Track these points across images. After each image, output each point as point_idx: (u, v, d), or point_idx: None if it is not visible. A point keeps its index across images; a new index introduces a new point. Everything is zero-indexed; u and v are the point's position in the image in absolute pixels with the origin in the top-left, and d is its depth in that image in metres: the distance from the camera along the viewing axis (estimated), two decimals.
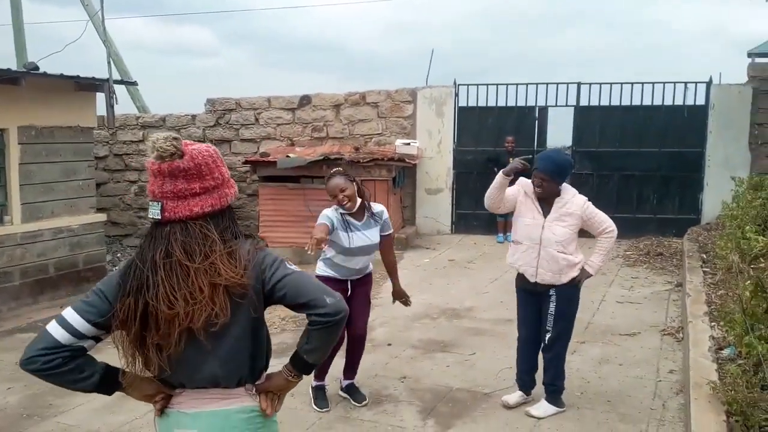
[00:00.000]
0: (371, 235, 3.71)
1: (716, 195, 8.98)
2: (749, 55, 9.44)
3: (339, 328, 1.67)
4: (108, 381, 1.66)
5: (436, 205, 10.22)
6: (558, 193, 3.59)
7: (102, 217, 8.25)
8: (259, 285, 1.65)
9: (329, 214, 3.68)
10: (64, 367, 1.57)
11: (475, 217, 10.05)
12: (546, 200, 3.61)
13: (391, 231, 3.86)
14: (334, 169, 3.65)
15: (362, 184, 3.78)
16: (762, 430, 3.00)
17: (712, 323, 4.58)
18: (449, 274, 7.69)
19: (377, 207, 3.79)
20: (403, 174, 9.77)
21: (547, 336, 3.68)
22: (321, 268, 3.83)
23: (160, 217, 1.63)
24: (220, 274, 1.59)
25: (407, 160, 9.44)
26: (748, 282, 3.98)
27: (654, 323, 5.52)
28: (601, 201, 9.47)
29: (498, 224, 9.46)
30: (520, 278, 3.79)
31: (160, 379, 1.70)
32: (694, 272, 6.22)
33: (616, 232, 3.62)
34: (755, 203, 6.52)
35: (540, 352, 3.81)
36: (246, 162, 9.67)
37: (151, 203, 1.66)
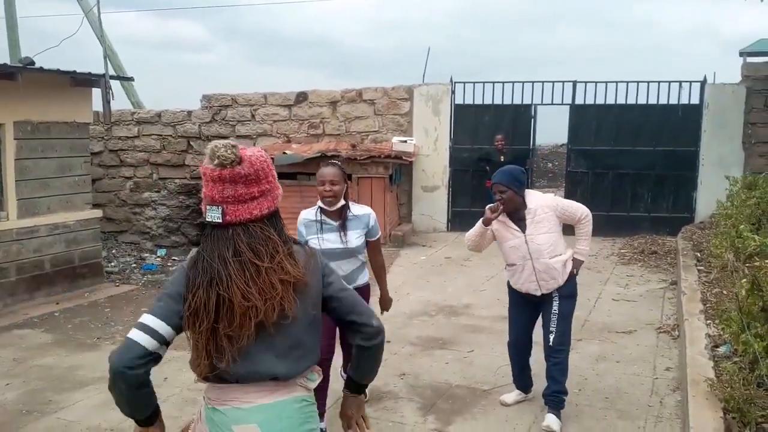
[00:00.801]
0: (345, 239, 3.40)
1: (710, 194, 9.06)
2: (741, 54, 9.51)
3: (381, 349, 1.85)
4: (154, 413, 1.75)
5: (432, 202, 10.25)
6: (524, 204, 3.55)
7: (98, 213, 8.22)
8: (320, 286, 1.78)
9: (302, 217, 3.47)
10: (148, 376, 1.65)
11: (471, 214, 10.03)
12: (517, 215, 3.57)
13: (378, 236, 3.61)
14: (334, 159, 3.50)
15: (350, 186, 3.47)
16: (759, 426, 3.05)
17: (708, 321, 4.63)
18: (446, 271, 7.73)
19: (362, 210, 3.52)
20: (399, 171, 9.80)
21: (551, 337, 3.58)
22: None
23: (221, 221, 1.69)
24: (287, 272, 1.68)
25: (404, 158, 9.46)
26: (744, 280, 4.02)
27: (650, 321, 5.57)
28: (596, 199, 9.67)
29: None
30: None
31: (213, 375, 1.72)
32: (688, 270, 6.28)
33: (590, 215, 3.62)
34: (749, 202, 6.58)
35: (546, 357, 3.66)
36: None
37: (210, 207, 1.70)
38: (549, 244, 3.51)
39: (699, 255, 7.01)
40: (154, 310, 1.67)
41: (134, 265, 9.32)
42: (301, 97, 10.55)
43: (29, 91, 7.12)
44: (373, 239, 3.56)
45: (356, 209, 3.48)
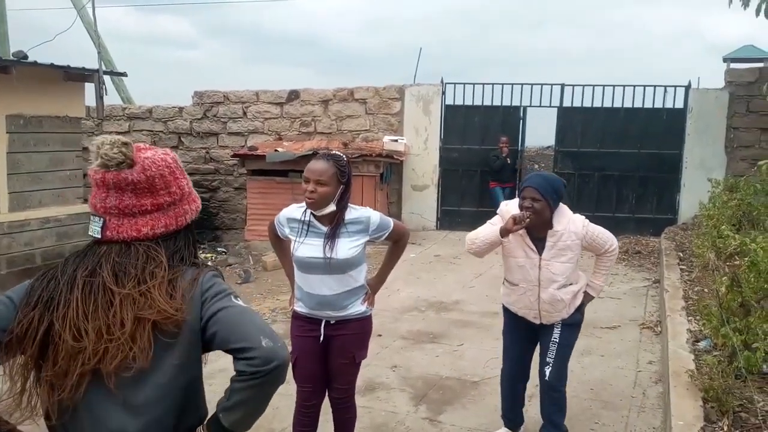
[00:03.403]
0: (331, 249, 2.64)
1: (693, 196, 9.28)
2: (725, 60, 9.75)
3: (269, 384, 1.27)
4: None
5: (421, 201, 10.38)
6: (550, 224, 2.94)
7: (89, 207, 8.24)
8: (197, 322, 1.33)
9: (282, 215, 2.83)
10: None
11: (460, 213, 10.24)
12: (537, 232, 2.97)
13: (390, 227, 2.81)
14: (334, 152, 2.79)
15: (349, 185, 2.75)
16: (736, 415, 3.20)
17: (689, 317, 4.80)
18: (435, 268, 7.85)
19: (359, 212, 2.75)
20: (390, 170, 9.91)
21: (548, 371, 3.06)
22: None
23: (99, 236, 1.37)
24: (151, 306, 1.28)
25: (394, 157, 9.59)
26: (725, 277, 4.20)
27: (633, 317, 5.74)
28: (581, 200, 9.85)
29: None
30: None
31: (51, 427, 1.34)
32: (671, 269, 6.46)
33: (618, 247, 3.14)
34: (731, 204, 6.79)
35: (541, 391, 3.19)
36: (234, 155, 9.73)
37: (92, 218, 1.40)
38: (564, 275, 2.96)
39: (681, 255, 7.20)
40: None
41: None
42: (293, 96, 10.63)
43: (22, 85, 7.15)
44: (386, 233, 2.80)
45: (351, 213, 2.71)
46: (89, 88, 8.06)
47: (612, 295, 6.53)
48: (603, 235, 3.05)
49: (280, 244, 2.91)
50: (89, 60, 7.97)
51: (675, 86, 9.63)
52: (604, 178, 9.95)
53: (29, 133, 7.37)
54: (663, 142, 9.71)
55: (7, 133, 7.14)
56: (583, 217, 3.04)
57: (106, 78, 8.69)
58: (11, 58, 7.56)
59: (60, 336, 1.26)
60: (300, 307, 2.78)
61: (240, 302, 1.36)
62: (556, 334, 3.06)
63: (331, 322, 2.73)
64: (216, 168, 10.86)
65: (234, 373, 1.30)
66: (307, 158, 9.25)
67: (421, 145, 10.29)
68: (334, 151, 2.76)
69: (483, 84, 10.11)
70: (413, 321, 5.74)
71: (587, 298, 3.14)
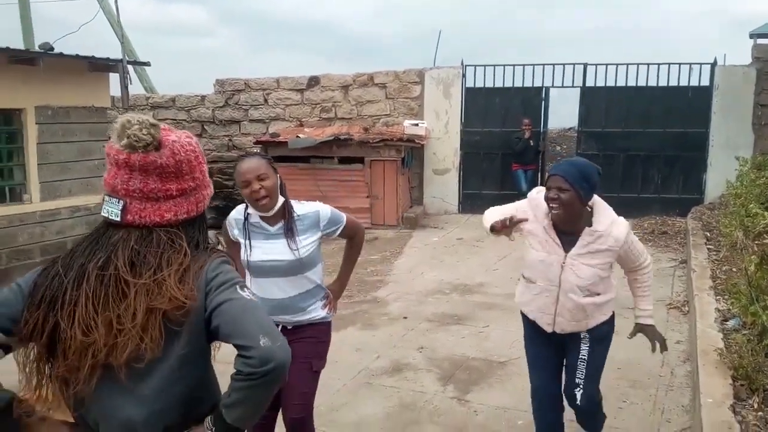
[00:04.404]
0: (288, 248, 2.46)
1: (720, 175, 9.13)
2: (752, 36, 9.52)
3: (265, 385, 1.25)
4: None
5: (443, 185, 10.36)
6: (586, 219, 2.53)
7: (105, 187, 8.40)
8: (201, 310, 1.30)
9: (231, 217, 2.63)
10: None
11: (482, 197, 10.20)
12: (565, 226, 2.54)
13: (343, 224, 2.62)
14: (248, 151, 2.67)
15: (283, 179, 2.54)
16: (766, 392, 3.19)
17: (717, 297, 4.76)
18: (458, 252, 7.87)
19: (309, 207, 2.56)
20: (411, 154, 9.91)
21: (578, 394, 2.66)
22: None
23: (119, 219, 1.31)
24: (163, 295, 1.25)
25: (415, 141, 9.58)
26: (753, 256, 4.15)
27: (660, 298, 5.70)
28: (606, 181, 9.70)
29: None
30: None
31: (77, 417, 1.35)
32: (698, 249, 6.40)
33: (652, 264, 2.74)
34: (759, 182, 6.67)
35: (575, 413, 2.82)
36: (257, 142, 9.80)
37: (109, 199, 1.33)
38: (591, 281, 2.54)
39: (708, 234, 7.12)
40: None
41: None
42: (313, 82, 10.65)
43: (49, 76, 7.28)
44: (340, 228, 2.62)
45: (300, 208, 2.53)
46: (114, 78, 8.18)
47: None
48: (639, 246, 2.64)
49: (232, 247, 2.62)
50: (110, 51, 8.08)
51: (700, 63, 9.44)
52: (629, 158, 9.83)
53: (57, 124, 7.51)
54: (688, 120, 9.54)
55: (36, 123, 7.29)
56: (628, 223, 2.61)
57: (130, 68, 8.81)
58: (38, 50, 7.70)
59: (68, 333, 1.24)
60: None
61: (245, 294, 1.31)
62: (585, 349, 2.64)
63: (288, 328, 2.53)
64: (239, 155, 10.96)
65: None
66: (327, 144, 9.34)
67: (441, 129, 10.26)
68: (249, 150, 2.64)
69: (504, 65, 10.01)
70: (438, 304, 5.78)
71: (650, 332, 2.81)
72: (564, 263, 2.56)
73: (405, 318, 5.37)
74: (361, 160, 9.39)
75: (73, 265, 1.29)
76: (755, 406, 3.04)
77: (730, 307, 4.42)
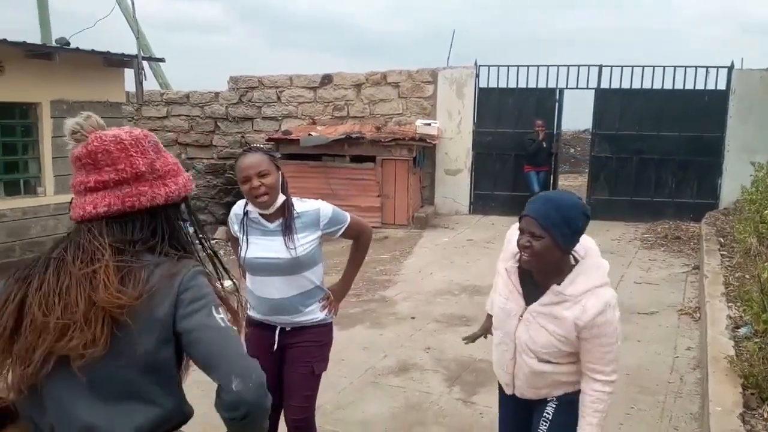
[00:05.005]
0: (293, 245, 2.38)
1: (735, 180, 9.01)
2: None
3: (248, 427, 1.23)
4: None
5: (454, 185, 10.34)
6: (563, 270, 1.96)
7: None
8: (168, 319, 1.26)
9: (232, 212, 2.58)
10: None
11: (493, 198, 10.18)
12: (542, 279, 1.99)
13: (345, 224, 2.52)
14: (252, 146, 2.49)
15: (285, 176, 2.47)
16: None
17: (729, 303, 4.70)
18: (468, 252, 7.85)
19: (309, 204, 2.47)
20: (423, 154, 9.89)
21: None
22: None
23: (71, 215, 1.36)
24: (98, 291, 1.23)
25: (427, 140, 9.56)
26: (767, 263, 4.10)
27: (671, 303, 5.65)
28: (619, 184, 9.70)
29: None
30: None
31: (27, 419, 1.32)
32: (711, 255, 6.33)
33: (615, 383, 1.97)
34: None
35: None
36: (269, 140, 9.84)
37: None
38: (547, 351, 1.99)
39: (722, 240, 7.03)
40: None
41: None
42: (326, 80, 10.66)
43: (65, 71, 7.35)
44: (342, 229, 2.52)
45: (300, 205, 2.46)
46: (129, 73, 8.25)
47: (650, 281, 6.44)
48: (613, 347, 1.91)
49: (234, 243, 2.60)
50: (125, 47, 8.13)
51: (717, 67, 9.33)
52: (642, 161, 9.74)
53: (72, 118, 7.58)
54: (704, 124, 9.44)
55: (51, 117, 7.37)
56: (614, 294, 1.96)
57: (145, 64, 8.88)
58: (54, 44, 7.77)
59: (31, 309, 1.25)
60: (253, 313, 2.51)
61: (220, 317, 1.27)
62: (549, 410, 2.09)
63: (287, 329, 2.47)
64: (242, 151, 11.01)
65: None
66: (339, 142, 9.35)
67: (454, 129, 10.23)
68: (252, 146, 2.59)
69: (517, 66, 9.95)
70: (446, 304, 5.77)
71: None
72: (521, 317, 2.04)
73: (413, 318, 5.36)
74: (372, 159, 9.39)
75: (49, 253, 1.34)
76: (765, 415, 3.00)
77: (742, 315, 4.36)
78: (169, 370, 1.32)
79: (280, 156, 2.37)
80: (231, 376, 1.20)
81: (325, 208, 2.47)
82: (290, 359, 2.48)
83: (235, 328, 1.32)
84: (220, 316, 1.28)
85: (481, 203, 10.25)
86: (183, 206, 1.42)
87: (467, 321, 5.27)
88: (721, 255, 6.35)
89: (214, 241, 2.14)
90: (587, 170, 10.91)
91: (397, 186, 9.41)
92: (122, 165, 1.31)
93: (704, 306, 4.88)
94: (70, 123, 1.33)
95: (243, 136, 11.03)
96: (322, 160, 9.52)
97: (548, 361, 2.00)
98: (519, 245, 1.95)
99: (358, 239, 2.64)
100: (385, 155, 9.37)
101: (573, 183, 14.84)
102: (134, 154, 1.32)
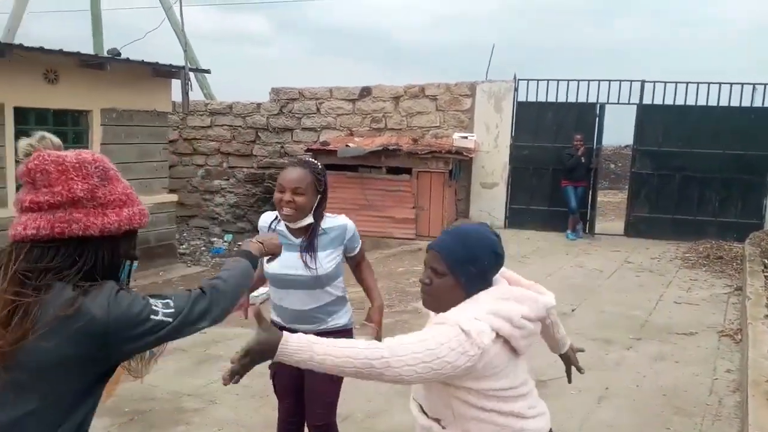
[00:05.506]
0: (315, 264, 2.37)
1: None
2: None
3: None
4: None
5: (490, 199, 10.30)
6: (453, 305, 1.63)
7: (173, 197, 8.73)
8: (70, 356, 1.17)
9: (258, 224, 2.59)
10: None
11: (530, 212, 10.10)
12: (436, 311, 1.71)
13: (358, 247, 2.53)
14: (309, 159, 2.48)
15: (326, 195, 2.44)
16: None
17: None
18: (504, 267, 7.79)
19: (335, 220, 2.47)
20: (459, 167, 9.91)
21: None
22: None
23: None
24: None
25: (464, 153, 9.58)
26: None
27: (712, 324, 5.51)
28: (660, 201, 9.52)
29: (570, 220, 9.49)
30: None
31: None
32: (755, 276, 6.15)
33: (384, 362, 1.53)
34: None
35: None
36: (307, 150, 10.01)
37: None
38: (424, 397, 1.73)
39: (766, 261, 6.83)
40: None
41: (203, 248, 9.84)
42: (365, 92, 10.80)
43: (115, 80, 7.66)
44: (354, 253, 2.53)
45: (328, 221, 2.45)
46: (175, 84, 8.53)
47: (690, 301, 6.28)
48: (426, 339, 1.52)
49: None
50: (171, 58, 8.41)
51: (765, 84, 9.09)
52: (685, 179, 9.53)
53: (120, 126, 7.88)
54: (750, 142, 9.19)
55: (101, 125, 7.67)
56: (478, 327, 1.52)
57: (191, 74, 9.16)
58: (106, 55, 8.10)
59: None
60: (278, 320, 2.53)
61: (159, 315, 1.23)
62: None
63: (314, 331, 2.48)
64: (290, 161, 11.20)
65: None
66: (376, 154, 9.44)
67: (491, 142, 10.21)
68: (308, 158, 2.49)
69: (557, 80, 9.90)
70: None
71: None
72: None
73: None
74: (408, 171, 9.45)
75: None
76: None
77: None
78: (77, 409, 1.23)
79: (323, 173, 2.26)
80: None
81: (351, 224, 2.50)
82: None
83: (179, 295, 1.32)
84: (159, 314, 1.23)
85: (517, 217, 10.18)
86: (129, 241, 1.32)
87: None
88: (765, 276, 6.17)
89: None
90: (627, 186, 10.74)
91: (433, 198, 9.44)
92: (59, 188, 1.22)
93: (746, 328, 4.75)
94: (22, 144, 1.25)
95: (282, 147, 11.24)
96: (359, 171, 9.62)
97: (433, 419, 1.70)
98: (420, 280, 1.74)
99: (362, 263, 2.63)
100: (422, 167, 9.42)
101: (612, 199, 14.60)
102: (74, 177, 1.23)
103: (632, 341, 5.05)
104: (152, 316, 1.22)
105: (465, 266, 1.64)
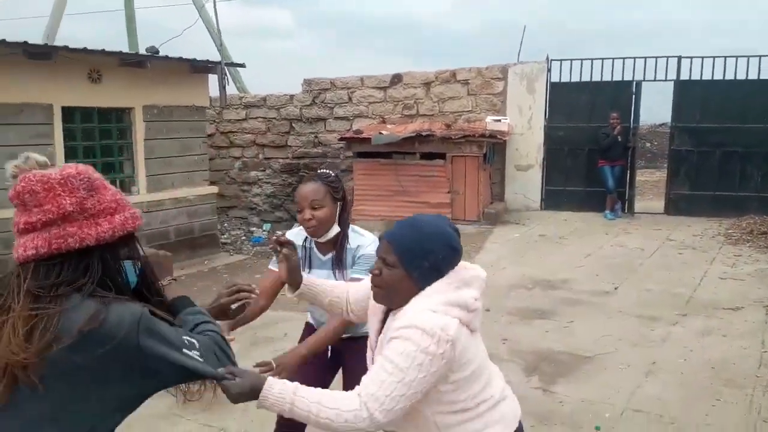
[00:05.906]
0: (334, 279, 2.34)
1: None
2: None
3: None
4: None
5: (525, 181, 10.27)
6: (404, 300, 1.59)
7: (214, 189, 8.94)
8: (98, 371, 1.19)
9: (292, 236, 2.41)
10: None
11: (566, 194, 10.05)
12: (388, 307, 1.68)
13: (364, 271, 2.21)
14: (320, 171, 2.42)
15: (350, 203, 2.42)
16: None
17: None
18: (541, 248, 7.81)
19: (362, 239, 2.37)
20: (493, 150, 9.89)
21: None
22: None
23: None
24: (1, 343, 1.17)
25: (498, 137, 9.55)
26: None
27: (758, 299, 5.45)
28: (700, 178, 9.37)
29: (608, 200, 9.42)
30: None
31: None
32: None
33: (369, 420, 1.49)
34: None
35: None
36: (341, 139, 10.13)
37: None
38: None
39: None
40: None
41: (243, 237, 10.07)
42: (396, 79, 10.83)
43: (155, 78, 7.86)
44: (353, 278, 2.28)
45: (356, 239, 2.37)
46: (212, 79, 8.71)
47: (735, 277, 6.22)
48: (392, 371, 1.47)
49: None
50: (202, 54, 8.57)
51: None
52: (725, 154, 9.34)
53: (162, 122, 8.10)
54: None
55: (143, 121, 7.90)
56: (439, 324, 1.49)
57: (226, 69, 9.33)
58: (145, 53, 8.33)
59: None
60: (311, 320, 2.61)
61: (194, 352, 1.26)
62: None
63: (345, 338, 2.43)
64: (324, 152, 11.34)
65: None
66: (409, 140, 9.49)
67: (524, 125, 10.16)
68: (320, 170, 2.44)
69: (591, 59, 9.77)
70: (520, 298, 5.80)
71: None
72: (375, 347, 1.71)
73: (487, 310, 5.42)
74: (442, 156, 9.48)
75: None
76: None
77: None
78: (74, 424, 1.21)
79: (341, 178, 2.20)
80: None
81: (365, 245, 2.35)
82: (347, 368, 2.50)
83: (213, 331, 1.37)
84: (194, 350, 1.27)
85: (553, 199, 10.14)
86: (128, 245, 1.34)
87: (542, 314, 5.29)
88: None
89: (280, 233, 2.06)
90: (665, 165, 10.57)
91: (467, 182, 9.47)
92: (48, 205, 1.23)
93: None
94: (9, 166, 1.27)
95: (316, 136, 11.38)
96: (393, 157, 9.69)
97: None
98: (368, 271, 1.69)
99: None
100: (455, 152, 9.44)
101: (649, 178, 14.37)
102: (62, 193, 1.24)
103: (678, 317, 5.05)
104: (184, 350, 1.25)
105: (418, 260, 1.56)
